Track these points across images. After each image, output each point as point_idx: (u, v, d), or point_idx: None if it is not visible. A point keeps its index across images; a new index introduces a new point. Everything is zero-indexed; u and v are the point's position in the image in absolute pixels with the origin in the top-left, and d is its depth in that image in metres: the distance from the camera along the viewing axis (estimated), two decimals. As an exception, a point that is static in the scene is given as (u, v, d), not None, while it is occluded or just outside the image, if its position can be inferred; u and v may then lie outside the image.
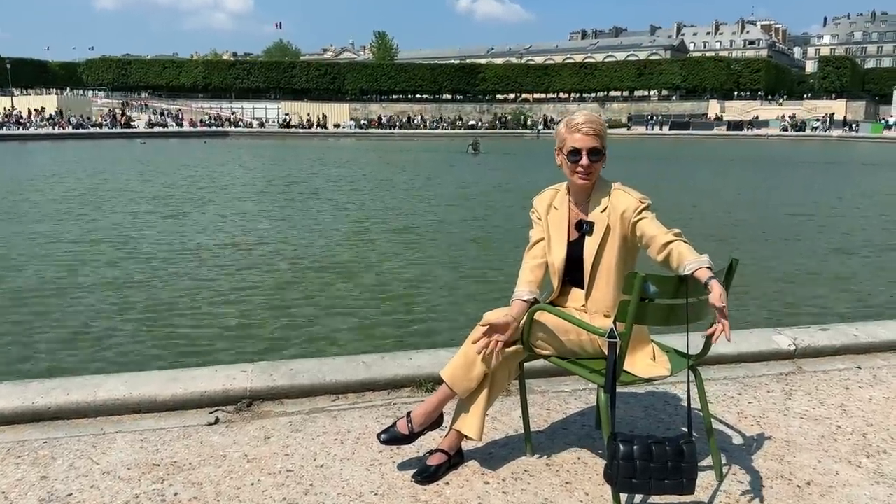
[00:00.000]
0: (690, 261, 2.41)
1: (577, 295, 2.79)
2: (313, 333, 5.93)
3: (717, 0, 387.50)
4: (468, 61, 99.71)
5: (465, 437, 2.75)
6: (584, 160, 2.66)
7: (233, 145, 45.08)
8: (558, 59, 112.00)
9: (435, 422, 2.80)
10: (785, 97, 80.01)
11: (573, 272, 2.77)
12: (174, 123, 64.88)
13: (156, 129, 59.67)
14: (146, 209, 13.68)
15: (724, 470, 2.84)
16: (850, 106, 74.37)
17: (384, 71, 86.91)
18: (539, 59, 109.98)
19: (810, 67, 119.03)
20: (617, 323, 2.46)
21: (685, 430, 3.23)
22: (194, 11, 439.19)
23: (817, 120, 66.50)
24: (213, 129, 62.23)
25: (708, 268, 2.38)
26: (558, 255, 2.76)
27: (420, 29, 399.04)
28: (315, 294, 7.28)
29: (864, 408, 3.46)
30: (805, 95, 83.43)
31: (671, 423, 3.30)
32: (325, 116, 72.14)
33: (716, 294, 2.30)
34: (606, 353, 2.67)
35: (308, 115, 72.45)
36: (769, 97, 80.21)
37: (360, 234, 11.07)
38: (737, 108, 76.39)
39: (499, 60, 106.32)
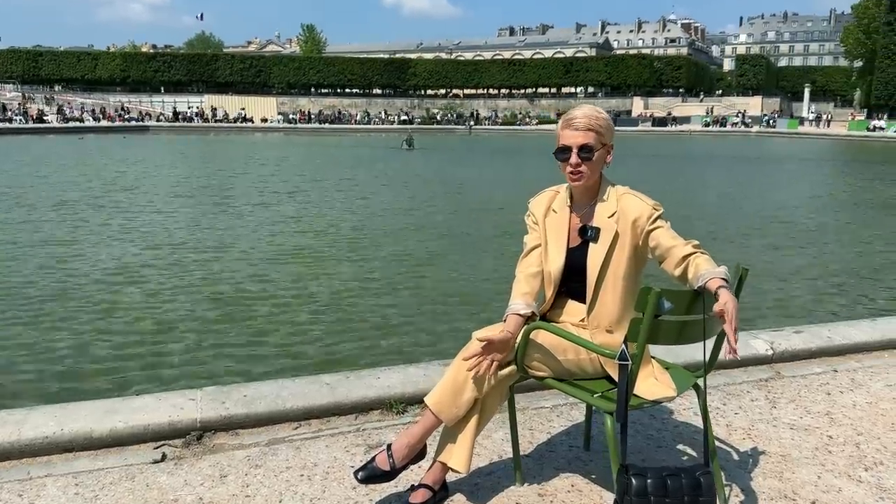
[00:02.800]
0: (705, 271, 2.20)
1: (574, 308, 2.54)
2: (267, 352, 5.38)
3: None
4: (398, 56, 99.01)
5: (452, 469, 2.47)
6: (573, 158, 2.40)
7: (155, 141, 43.25)
8: (487, 55, 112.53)
9: (418, 454, 2.51)
10: (703, 95, 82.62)
11: (571, 283, 2.52)
12: (90, 118, 61.92)
13: (71, 123, 56.79)
14: (66, 213, 12.75)
15: (727, 491, 2.66)
16: (766, 102, 77.50)
17: (312, 64, 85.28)
18: (468, 55, 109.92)
19: (728, 65, 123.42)
20: (627, 343, 2.22)
21: (680, 446, 3.07)
22: (109, 2, 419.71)
23: (737, 115, 69.05)
24: (133, 123, 59.73)
25: (722, 278, 2.18)
26: (556, 264, 2.51)
27: (346, 22, 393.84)
28: (265, 308, 6.59)
29: (850, 415, 3.36)
30: (717, 92, 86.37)
31: (661, 439, 3.11)
32: (213, 109, 69.79)
33: (720, 302, 2.10)
34: (609, 373, 2.46)
35: (201, 107, 70.09)
36: (690, 94, 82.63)
37: (309, 241, 10.22)
38: (659, 105, 78.47)
39: (428, 55, 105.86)
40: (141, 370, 5.00)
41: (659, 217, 2.39)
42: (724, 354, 2.31)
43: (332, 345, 5.56)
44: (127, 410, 3.00)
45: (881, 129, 55.88)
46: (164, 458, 2.85)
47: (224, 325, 6.06)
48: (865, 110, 69.88)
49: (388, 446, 2.47)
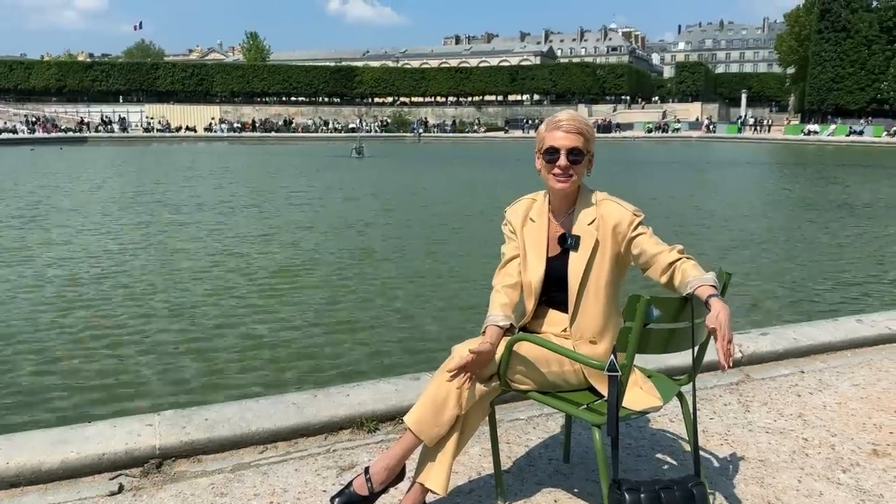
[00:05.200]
0: (693, 278, 2.15)
1: (555, 318, 2.46)
2: (230, 372, 5.08)
3: (581, 8, 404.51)
4: (344, 64, 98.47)
5: (430, 491, 2.36)
6: (562, 160, 2.33)
7: (94, 153, 41.85)
8: (434, 63, 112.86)
9: (397, 476, 2.39)
10: (644, 102, 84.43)
11: (552, 293, 2.45)
12: (25, 129, 59.72)
13: (4, 135, 54.66)
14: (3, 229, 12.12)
15: (711, 500, 2.61)
16: (705, 108, 79.59)
17: (256, 72, 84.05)
18: (415, 63, 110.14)
19: (668, 72, 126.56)
20: (616, 353, 2.15)
21: (659, 455, 3.02)
22: (40, 9, 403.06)
23: (678, 121, 70.85)
24: (71, 134, 57.87)
25: (711, 285, 2.14)
26: (535, 273, 2.42)
27: (290, 30, 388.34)
28: (225, 326, 6.21)
29: (822, 416, 3.37)
30: (654, 99, 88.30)
31: (639, 448, 3.05)
32: (123, 119, 68.05)
33: (712, 314, 2.06)
34: (593, 384, 2.38)
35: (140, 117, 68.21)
36: (632, 101, 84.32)
37: (268, 255, 9.66)
38: (603, 112, 79.83)
39: (375, 63, 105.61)
40: (94, 395, 4.67)
41: (640, 223, 2.34)
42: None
43: (297, 362, 5.29)
44: (79, 439, 2.79)
45: (815, 132, 57.95)
46: (121, 489, 2.66)
47: (182, 345, 5.71)
48: (799, 115, 72.45)
49: (366, 469, 2.35)
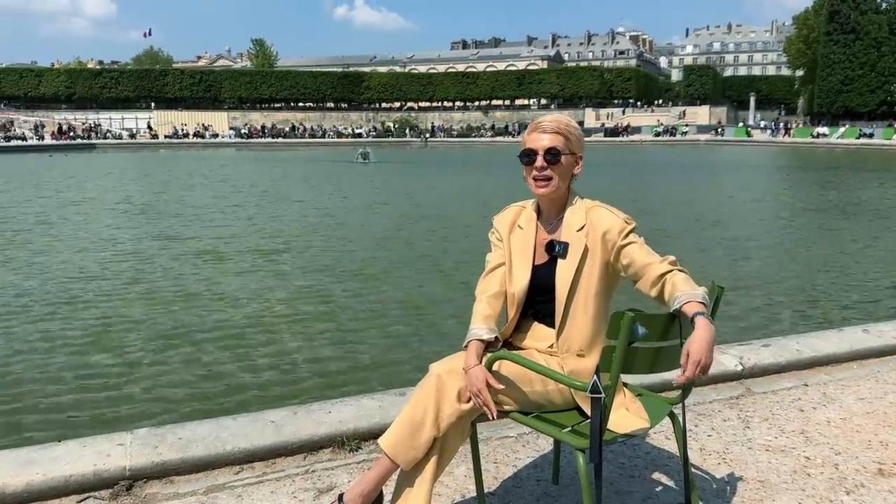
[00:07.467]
0: (681, 292, 2.02)
1: (541, 332, 2.33)
2: (203, 388, 4.93)
3: (588, 12, 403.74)
4: (351, 69, 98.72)
5: (409, 517, 2.23)
6: (539, 161, 2.22)
7: (101, 159, 42.01)
8: (441, 68, 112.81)
9: (374, 502, 2.26)
10: (654, 106, 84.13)
11: (538, 304, 2.32)
12: (34, 136, 60.08)
13: (13, 142, 55.02)
14: None
15: (706, 526, 2.48)
16: (714, 112, 79.29)
17: (264, 79, 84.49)
18: (422, 68, 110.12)
19: (676, 76, 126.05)
20: (600, 373, 2.02)
21: (654, 475, 2.87)
22: (50, 17, 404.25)
23: (686, 125, 70.57)
24: (79, 141, 58.16)
25: (700, 302, 2.01)
26: (520, 282, 2.30)
27: (297, 36, 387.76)
28: (203, 339, 6.01)
29: (825, 433, 3.22)
30: (657, 102, 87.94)
31: (633, 468, 2.91)
32: (99, 126, 67.80)
33: (693, 336, 1.94)
34: (580, 404, 2.26)
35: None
36: (639, 105, 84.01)
37: (255, 263, 9.49)
38: (605, 117, 79.62)
39: (382, 69, 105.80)
40: (62, 413, 4.54)
41: (631, 232, 2.21)
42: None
43: (277, 376, 5.13)
44: (46, 460, 2.68)
45: (824, 135, 57.53)
46: (88, 513, 2.55)
47: (158, 358, 5.54)
48: (808, 117, 71.98)
49: (340, 497, 2.23)
